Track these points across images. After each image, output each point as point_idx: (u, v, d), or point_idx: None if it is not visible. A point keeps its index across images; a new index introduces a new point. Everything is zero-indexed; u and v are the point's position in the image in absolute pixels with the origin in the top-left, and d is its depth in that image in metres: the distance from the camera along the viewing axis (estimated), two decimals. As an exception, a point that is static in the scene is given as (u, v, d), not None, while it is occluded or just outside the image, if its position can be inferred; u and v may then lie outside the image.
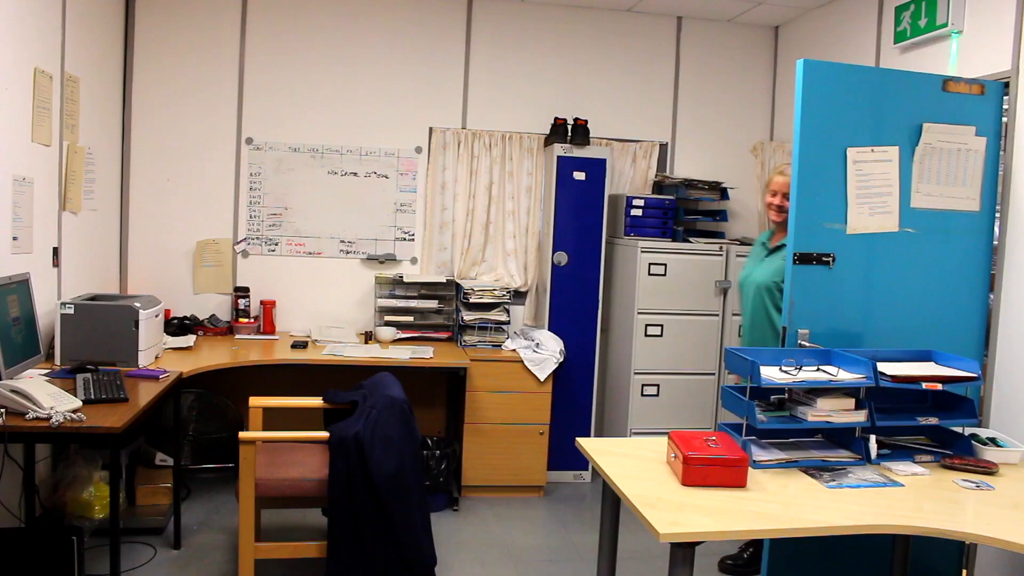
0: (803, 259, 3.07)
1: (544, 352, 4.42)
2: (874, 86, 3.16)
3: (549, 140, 4.76)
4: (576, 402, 4.70)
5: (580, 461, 4.68)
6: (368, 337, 4.57)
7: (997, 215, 3.27)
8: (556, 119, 4.73)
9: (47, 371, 3.22)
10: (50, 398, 2.68)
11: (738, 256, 4.59)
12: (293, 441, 3.43)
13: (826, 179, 3.07)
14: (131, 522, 3.70)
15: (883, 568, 3.16)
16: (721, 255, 4.60)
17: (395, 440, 3.00)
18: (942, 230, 3.17)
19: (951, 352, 2.78)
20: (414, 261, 4.86)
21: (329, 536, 2.96)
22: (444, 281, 4.70)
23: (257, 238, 4.70)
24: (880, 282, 3.15)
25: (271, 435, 3.23)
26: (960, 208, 3.22)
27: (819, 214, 3.08)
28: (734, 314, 4.60)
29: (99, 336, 3.38)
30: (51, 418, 2.58)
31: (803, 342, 3.08)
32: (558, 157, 4.60)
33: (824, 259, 3.08)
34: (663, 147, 5.09)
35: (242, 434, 3.01)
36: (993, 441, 2.62)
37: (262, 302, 4.62)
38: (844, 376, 2.55)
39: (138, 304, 3.47)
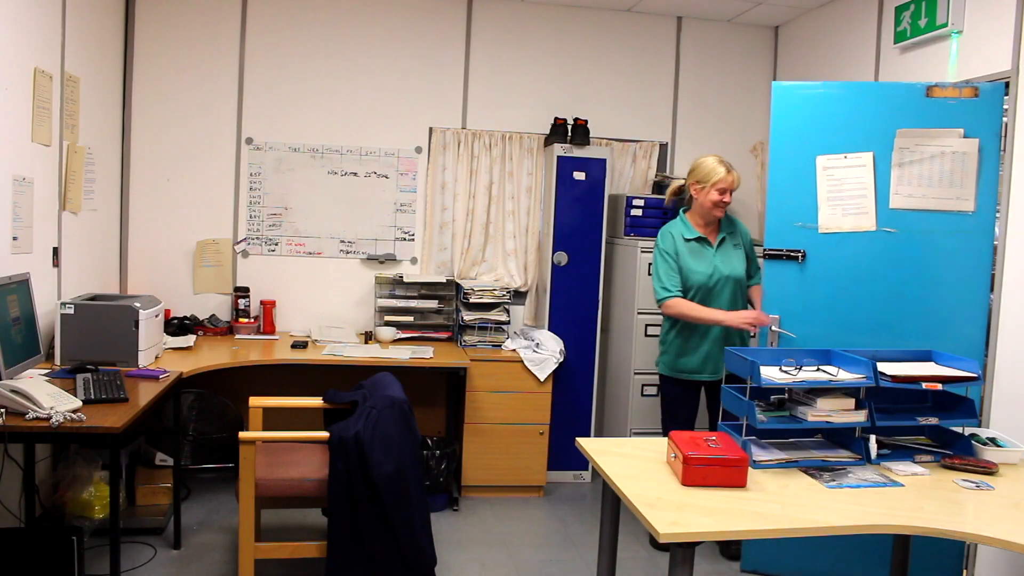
0: (773, 255, 3.49)
1: (544, 352, 4.42)
2: (850, 100, 3.44)
3: (549, 140, 4.76)
4: (576, 402, 4.70)
5: (580, 461, 4.68)
6: (368, 337, 4.57)
7: (998, 215, 3.28)
8: (556, 119, 4.73)
9: (47, 371, 3.22)
10: (50, 398, 2.68)
11: (738, 256, 4.59)
12: (293, 441, 3.42)
13: (799, 185, 3.45)
14: (131, 522, 3.70)
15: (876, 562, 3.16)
16: (721, 255, 4.59)
17: (395, 440, 3.00)
18: (927, 230, 3.35)
19: (948, 348, 2.80)
20: (414, 261, 4.86)
21: (329, 536, 2.96)
22: (444, 281, 4.70)
23: (257, 238, 4.70)
24: (858, 277, 3.41)
25: (271, 435, 3.22)
26: (949, 208, 3.30)
27: (790, 215, 3.46)
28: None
29: (99, 336, 3.38)
30: (51, 418, 2.58)
31: (774, 327, 3.47)
32: (558, 157, 4.60)
33: (793, 255, 3.46)
34: (663, 147, 5.09)
35: (242, 434, 3.01)
36: (993, 441, 2.62)
37: (262, 302, 4.62)
38: (844, 376, 2.55)
39: (138, 304, 3.47)
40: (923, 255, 3.35)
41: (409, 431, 3.07)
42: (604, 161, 4.64)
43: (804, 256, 3.45)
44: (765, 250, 3.50)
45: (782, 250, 3.48)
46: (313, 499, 3.12)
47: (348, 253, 4.79)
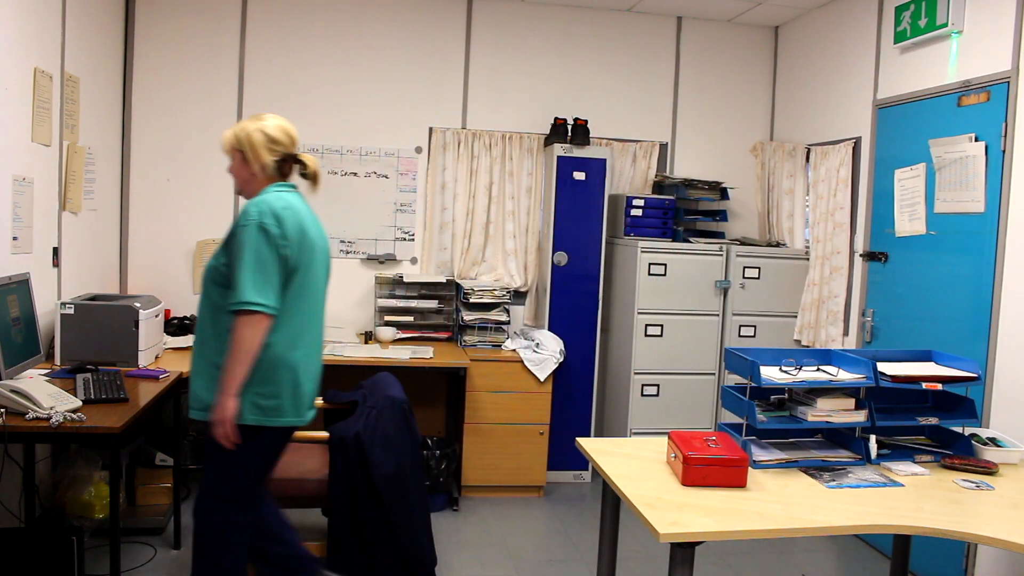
0: (868, 256, 4.11)
1: (544, 352, 4.42)
2: (915, 116, 3.80)
3: (549, 140, 4.75)
4: (576, 402, 4.70)
5: (580, 461, 4.68)
6: (368, 337, 4.57)
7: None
8: (556, 119, 4.73)
9: (47, 371, 3.22)
10: (50, 398, 2.68)
11: (738, 256, 4.59)
12: (293, 441, 3.41)
13: (889, 197, 3.95)
14: (131, 522, 3.70)
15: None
16: (721, 255, 4.60)
17: (395, 440, 3.00)
18: (955, 232, 3.53)
19: (963, 346, 2.84)
20: (414, 261, 4.86)
21: (329, 536, 2.96)
22: (444, 281, 4.70)
23: (257, 238, 4.68)
24: (916, 276, 3.80)
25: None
26: (969, 211, 3.44)
27: (883, 222, 4.00)
28: (734, 314, 4.60)
29: (99, 336, 3.38)
30: (51, 418, 2.58)
31: (867, 319, 4.09)
32: (558, 157, 4.60)
33: (879, 256, 4.03)
34: (663, 147, 5.09)
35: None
36: (993, 441, 2.62)
37: (262, 302, 4.61)
38: (844, 376, 2.55)
39: (138, 304, 3.47)
40: (951, 254, 3.57)
41: (409, 431, 3.08)
42: (604, 161, 4.64)
43: (887, 257, 3.96)
44: (861, 252, 4.16)
45: (874, 252, 4.07)
46: (313, 499, 3.12)
47: (348, 253, 4.79)
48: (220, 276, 2.56)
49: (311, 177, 2.76)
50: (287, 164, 2.68)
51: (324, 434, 3.03)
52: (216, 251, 2.63)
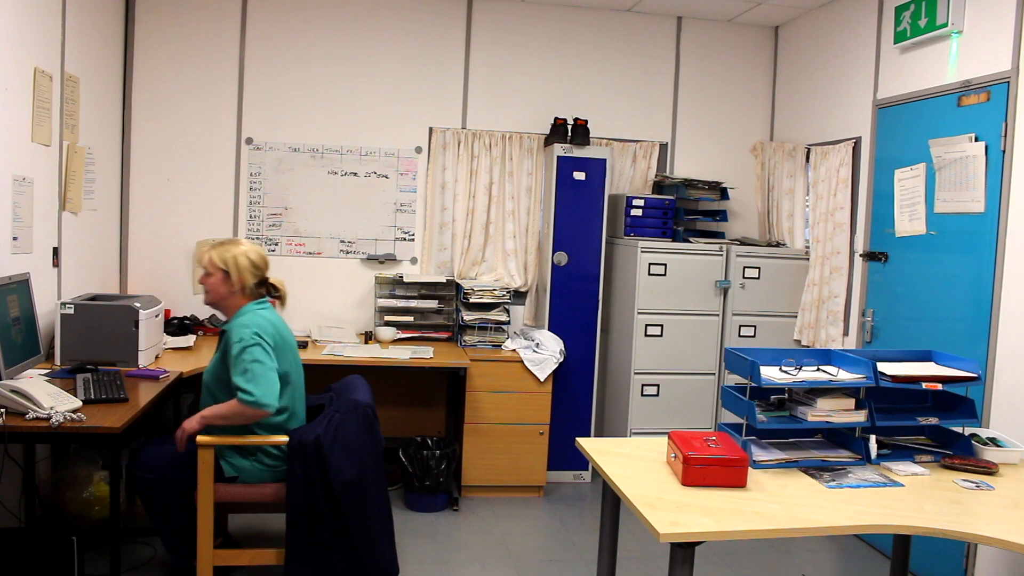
0: (868, 256, 4.12)
1: (544, 352, 4.42)
2: (914, 116, 3.81)
3: (549, 140, 4.75)
4: (576, 402, 4.70)
5: (580, 461, 4.68)
6: (368, 337, 4.57)
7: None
8: (556, 119, 4.73)
9: (47, 371, 3.22)
10: (50, 398, 2.68)
11: (738, 256, 4.59)
12: (253, 445, 3.30)
13: (889, 197, 3.95)
14: (131, 522, 3.70)
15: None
16: (721, 255, 4.60)
17: (356, 445, 2.90)
18: (955, 232, 3.53)
19: (962, 346, 2.83)
20: (414, 261, 4.86)
21: (287, 543, 2.84)
22: (444, 281, 4.70)
23: (257, 238, 4.69)
24: (916, 276, 3.80)
25: (227, 440, 2.98)
26: (969, 211, 3.44)
27: (884, 223, 4.01)
28: (734, 314, 4.60)
29: (99, 336, 3.38)
30: (51, 418, 2.59)
31: (867, 319, 4.11)
32: (558, 157, 4.60)
33: (879, 256, 4.04)
34: (663, 147, 5.09)
35: (199, 438, 2.88)
36: (993, 441, 2.62)
37: (262, 302, 4.61)
38: (844, 376, 2.55)
39: (138, 304, 3.47)
40: (951, 254, 3.57)
41: (372, 437, 2.97)
42: (604, 161, 4.64)
43: (887, 257, 3.97)
44: (860, 252, 4.17)
45: (874, 252, 4.08)
46: (270, 504, 3.01)
47: (348, 253, 4.79)
48: (222, 383, 2.98)
49: (280, 299, 3.18)
50: (262, 287, 3.09)
51: (283, 438, 2.93)
52: (213, 363, 3.04)
